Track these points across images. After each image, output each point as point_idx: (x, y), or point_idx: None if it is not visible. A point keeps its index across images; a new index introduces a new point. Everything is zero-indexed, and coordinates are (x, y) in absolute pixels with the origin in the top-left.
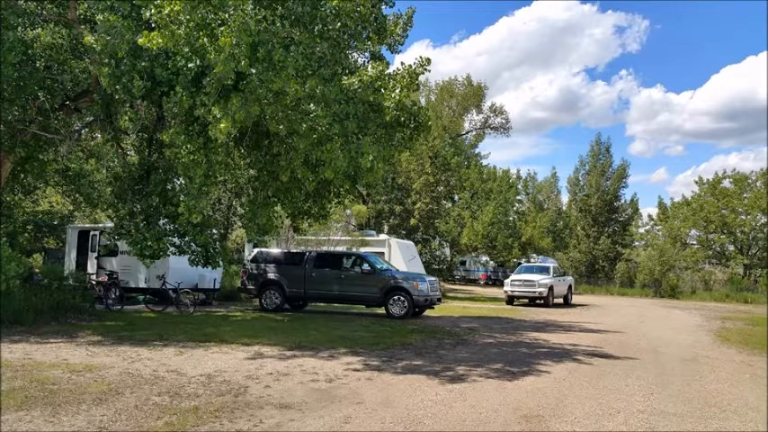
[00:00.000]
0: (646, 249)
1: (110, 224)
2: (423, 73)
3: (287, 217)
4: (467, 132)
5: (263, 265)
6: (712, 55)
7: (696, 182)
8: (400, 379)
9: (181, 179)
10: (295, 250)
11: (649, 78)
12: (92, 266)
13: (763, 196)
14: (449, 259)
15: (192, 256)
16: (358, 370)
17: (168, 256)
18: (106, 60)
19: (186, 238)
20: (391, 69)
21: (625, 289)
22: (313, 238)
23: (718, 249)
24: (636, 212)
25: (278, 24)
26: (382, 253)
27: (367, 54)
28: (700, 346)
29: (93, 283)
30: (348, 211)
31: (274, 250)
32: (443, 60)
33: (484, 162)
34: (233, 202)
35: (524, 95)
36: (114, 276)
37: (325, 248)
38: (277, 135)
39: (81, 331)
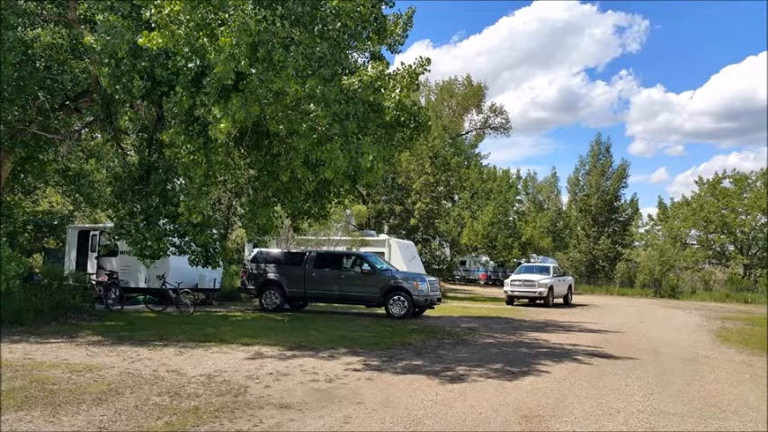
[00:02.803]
0: (646, 249)
1: (110, 224)
2: (423, 73)
3: (287, 217)
4: (467, 132)
5: (263, 265)
6: (712, 55)
7: (696, 182)
8: (400, 379)
9: (181, 179)
10: (295, 250)
11: (649, 78)
12: (92, 266)
13: (763, 196)
14: (449, 259)
15: (192, 256)
16: (358, 370)
17: (168, 256)
18: (106, 60)
19: (186, 238)
20: (391, 69)
21: (625, 289)
22: (313, 238)
23: (718, 249)
24: (636, 212)
25: (278, 24)
26: (382, 253)
27: (367, 54)
28: (700, 346)
29: (93, 283)
30: (348, 211)
31: (274, 250)
32: (443, 60)
33: (484, 162)
34: (233, 202)
35: (524, 95)
36: (114, 276)
37: (325, 248)
38: (277, 135)
39: (81, 331)
